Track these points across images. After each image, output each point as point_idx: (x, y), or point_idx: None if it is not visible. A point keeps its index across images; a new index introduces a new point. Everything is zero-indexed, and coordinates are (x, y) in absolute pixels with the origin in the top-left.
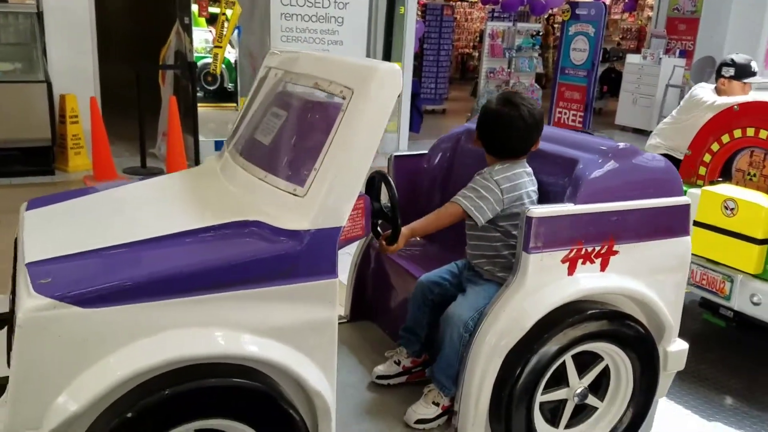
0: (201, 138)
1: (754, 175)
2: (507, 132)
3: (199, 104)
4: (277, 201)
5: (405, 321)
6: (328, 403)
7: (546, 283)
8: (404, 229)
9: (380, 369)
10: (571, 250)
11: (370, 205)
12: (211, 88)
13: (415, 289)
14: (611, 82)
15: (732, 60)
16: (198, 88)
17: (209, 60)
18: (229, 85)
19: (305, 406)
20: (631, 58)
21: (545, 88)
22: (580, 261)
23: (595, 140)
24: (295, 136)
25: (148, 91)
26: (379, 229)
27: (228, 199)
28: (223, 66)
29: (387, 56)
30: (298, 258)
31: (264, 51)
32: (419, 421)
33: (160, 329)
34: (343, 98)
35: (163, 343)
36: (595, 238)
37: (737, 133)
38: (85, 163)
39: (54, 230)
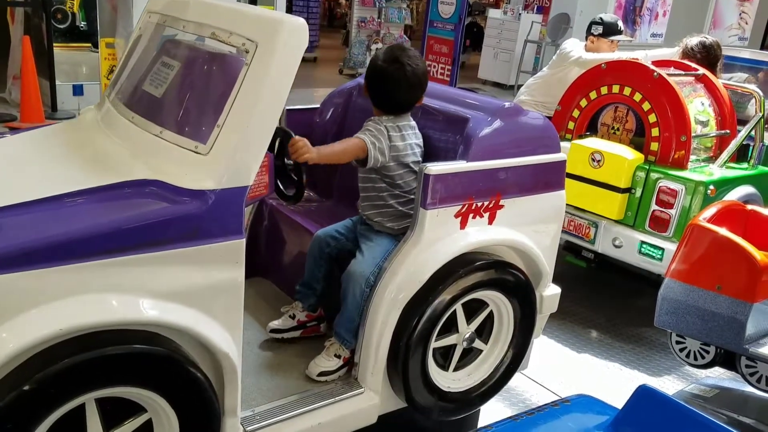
0: (56, 82)
1: (618, 129)
2: (392, 89)
3: None
4: (176, 159)
5: (299, 275)
6: (235, 363)
7: (440, 237)
8: (313, 150)
9: (275, 323)
10: (464, 206)
11: (273, 163)
12: (62, 26)
13: (312, 243)
14: (474, 36)
15: (601, 19)
16: None
17: None
18: (82, 24)
19: (211, 367)
20: (493, 13)
21: (411, 40)
22: (471, 215)
23: (482, 99)
24: (193, 90)
25: None
26: (281, 186)
27: (119, 155)
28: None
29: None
30: (202, 219)
31: None
32: (321, 374)
33: (57, 296)
34: (246, 51)
35: (60, 312)
36: (485, 194)
37: (604, 89)
38: None
39: None
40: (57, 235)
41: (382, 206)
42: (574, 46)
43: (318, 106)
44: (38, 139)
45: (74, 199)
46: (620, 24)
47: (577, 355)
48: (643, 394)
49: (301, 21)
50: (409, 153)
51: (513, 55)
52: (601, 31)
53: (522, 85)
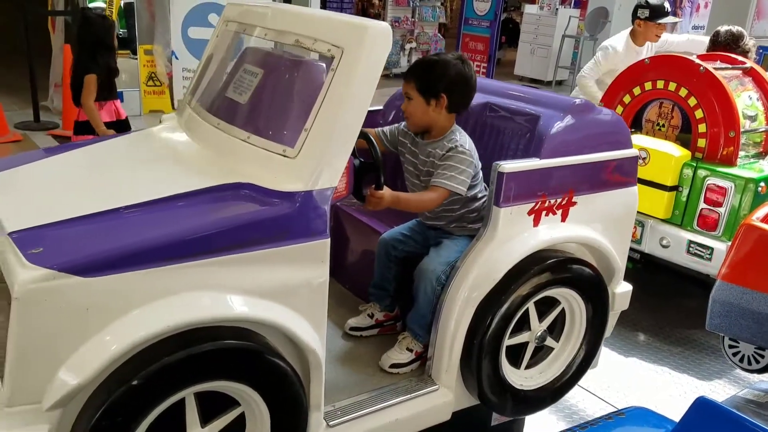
0: None
1: (663, 125)
2: (467, 89)
3: None
4: (265, 162)
5: (366, 275)
6: (320, 357)
7: (514, 235)
8: (390, 194)
9: (353, 321)
10: (537, 203)
11: (352, 165)
12: None
13: (378, 247)
14: (509, 33)
15: (646, 2)
16: None
17: (101, 4)
18: (120, 31)
19: (297, 362)
20: (529, 9)
21: (446, 38)
22: (544, 213)
23: (552, 96)
24: (279, 95)
25: (36, 39)
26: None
27: (209, 160)
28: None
29: None
30: (292, 219)
31: None
32: (393, 366)
33: (159, 296)
34: (332, 57)
35: (162, 310)
36: (558, 191)
37: (647, 85)
38: None
39: (25, 197)
40: (165, 235)
41: (455, 213)
42: (613, 41)
43: (381, 107)
44: (126, 146)
45: (174, 202)
46: (667, 5)
47: (625, 359)
48: (701, 406)
49: (384, 25)
50: (476, 159)
51: (550, 51)
52: (647, 15)
53: (560, 82)
